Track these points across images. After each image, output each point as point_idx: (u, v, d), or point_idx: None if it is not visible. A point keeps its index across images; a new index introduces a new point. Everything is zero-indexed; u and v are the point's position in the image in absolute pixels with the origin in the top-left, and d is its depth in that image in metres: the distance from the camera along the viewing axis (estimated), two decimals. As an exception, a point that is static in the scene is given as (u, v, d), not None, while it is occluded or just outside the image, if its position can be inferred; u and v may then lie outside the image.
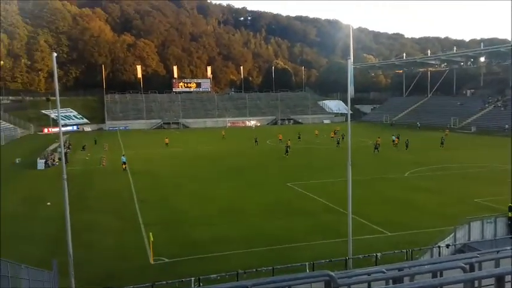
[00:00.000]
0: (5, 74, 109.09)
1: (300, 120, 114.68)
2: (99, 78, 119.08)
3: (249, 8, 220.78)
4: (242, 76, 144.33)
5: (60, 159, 43.14)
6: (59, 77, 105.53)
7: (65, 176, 15.56)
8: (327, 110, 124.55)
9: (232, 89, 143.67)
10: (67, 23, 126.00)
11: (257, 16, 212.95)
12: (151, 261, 17.96)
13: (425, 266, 6.96)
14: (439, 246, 15.21)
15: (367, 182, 32.90)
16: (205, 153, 51.70)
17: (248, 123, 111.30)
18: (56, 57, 16.31)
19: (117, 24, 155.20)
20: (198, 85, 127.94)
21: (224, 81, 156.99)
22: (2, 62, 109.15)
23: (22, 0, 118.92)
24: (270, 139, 68.39)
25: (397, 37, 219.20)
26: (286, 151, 47.26)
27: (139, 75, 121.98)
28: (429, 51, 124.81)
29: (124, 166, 40.09)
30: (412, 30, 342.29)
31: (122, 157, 41.14)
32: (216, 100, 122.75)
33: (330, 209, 25.67)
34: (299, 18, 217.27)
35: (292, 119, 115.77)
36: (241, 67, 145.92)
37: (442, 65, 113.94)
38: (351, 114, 19.85)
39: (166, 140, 59.03)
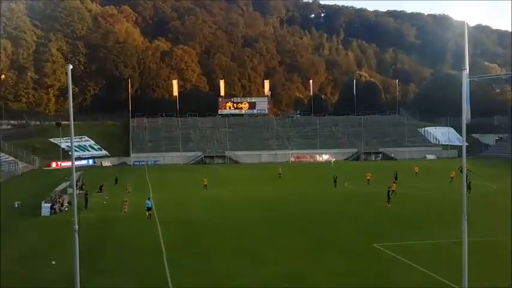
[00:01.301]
0: (6, 91, 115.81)
1: (392, 155, 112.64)
2: (124, 96, 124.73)
3: (322, 2, 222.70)
4: (312, 93, 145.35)
5: (70, 203, 44.85)
6: (74, 95, 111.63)
7: (76, 227, 16.01)
8: (432, 140, 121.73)
9: (298, 111, 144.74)
10: (86, 26, 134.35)
11: (333, 12, 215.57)
12: None
13: None
14: None
15: (491, 245, 31.25)
16: (259, 198, 51.83)
17: (319, 158, 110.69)
18: (72, 69, 17.11)
19: (148, 26, 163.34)
20: (252, 105, 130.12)
21: (287, 100, 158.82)
22: (3, 76, 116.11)
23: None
24: (350, 179, 67.59)
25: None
26: (389, 197, 46.27)
27: (176, 92, 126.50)
28: None
29: (148, 213, 40.96)
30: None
31: (147, 201, 42.09)
32: (275, 126, 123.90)
33: (435, 282, 24.55)
34: (392, 14, 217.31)
35: (381, 152, 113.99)
36: (311, 81, 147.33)
37: None
38: (466, 146, 19.18)
39: (205, 180, 59.91)
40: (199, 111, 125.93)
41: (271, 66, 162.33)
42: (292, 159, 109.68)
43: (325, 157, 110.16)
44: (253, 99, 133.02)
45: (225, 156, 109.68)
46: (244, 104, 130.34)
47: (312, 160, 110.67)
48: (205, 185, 59.30)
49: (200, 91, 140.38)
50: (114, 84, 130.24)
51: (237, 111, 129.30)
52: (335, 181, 61.06)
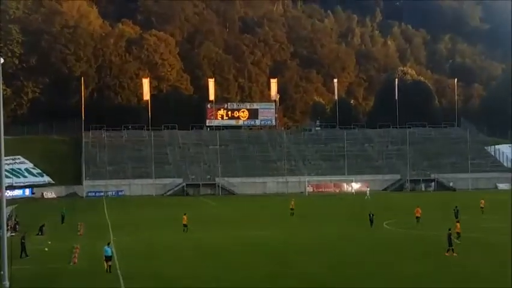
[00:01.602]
0: None
1: (450, 184, 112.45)
2: (75, 101, 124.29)
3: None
4: (337, 97, 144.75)
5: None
6: (6, 100, 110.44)
7: (7, 284, 15.55)
8: (505, 163, 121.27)
9: (318, 122, 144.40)
10: (23, 4, 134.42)
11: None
12: None
13: None
14: None
15: None
16: (263, 244, 51.15)
17: (348, 188, 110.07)
18: (2, 64, 16.76)
19: (110, 4, 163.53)
20: (254, 114, 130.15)
21: (302, 107, 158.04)
22: None
23: None
24: (391, 218, 67.11)
25: None
26: (450, 243, 45.40)
27: (147, 95, 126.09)
28: None
29: (107, 265, 40.45)
30: None
31: (106, 248, 41.58)
32: (285, 142, 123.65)
33: None
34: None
35: (434, 180, 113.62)
36: (335, 80, 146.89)
37: None
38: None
39: (184, 218, 59.48)
40: (180, 122, 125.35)
41: (281, 60, 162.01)
42: (309, 189, 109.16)
43: (355, 186, 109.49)
44: (255, 106, 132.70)
45: (215, 184, 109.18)
46: (243, 111, 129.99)
47: (337, 190, 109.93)
48: (185, 225, 58.70)
49: (181, 94, 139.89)
50: (61, 84, 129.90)
51: (233, 122, 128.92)
52: (371, 220, 60.33)
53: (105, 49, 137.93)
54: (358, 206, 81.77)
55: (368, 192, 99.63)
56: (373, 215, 61.15)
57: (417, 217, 62.52)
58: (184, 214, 60.83)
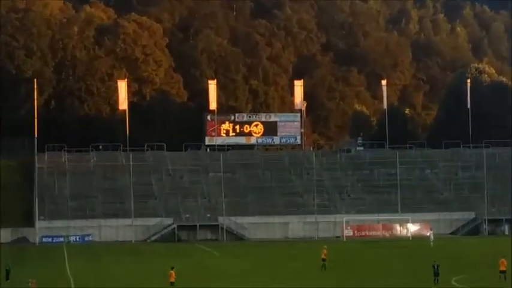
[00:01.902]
0: None
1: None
2: (25, 112, 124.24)
3: None
4: (385, 105, 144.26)
5: None
6: None
7: None
8: None
9: (360, 139, 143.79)
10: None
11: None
12: None
13: None
14: None
15: None
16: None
17: (402, 230, 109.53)
18: None
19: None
20: (271, 128, 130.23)
21: (338, 119, 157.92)
22: None
23: None
24: (463, 271, 66.25)
25: None
26: None
27: (124, 103, 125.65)
28: None
29: None
30: None
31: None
32: (314, 167, 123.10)
33: None
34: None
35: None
36: (384, 82, 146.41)
37: None
38: None
39: (172, 274, 58.86)
40: (169, 140, 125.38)
41: (308, 55, 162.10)
42: (348, 232, 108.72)
43: (412, 228, 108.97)
44: (272, 117, 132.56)
45: (218, 226, 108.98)
46: (256, 125, 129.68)
47: (387, 234, 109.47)
48: (172, 283, 58.15)
49: (171, 102, 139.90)
50: (6, 89, 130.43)
51: (242, 140, 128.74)
52: (436, 274, 59.33)
53: (66, 41, 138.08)
54: (417, 255, 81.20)
55: (431, 236, 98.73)
56: (438, 266, 60.19)
57: (501, 271, 61.21)
58: (172, 268, 60.26)
